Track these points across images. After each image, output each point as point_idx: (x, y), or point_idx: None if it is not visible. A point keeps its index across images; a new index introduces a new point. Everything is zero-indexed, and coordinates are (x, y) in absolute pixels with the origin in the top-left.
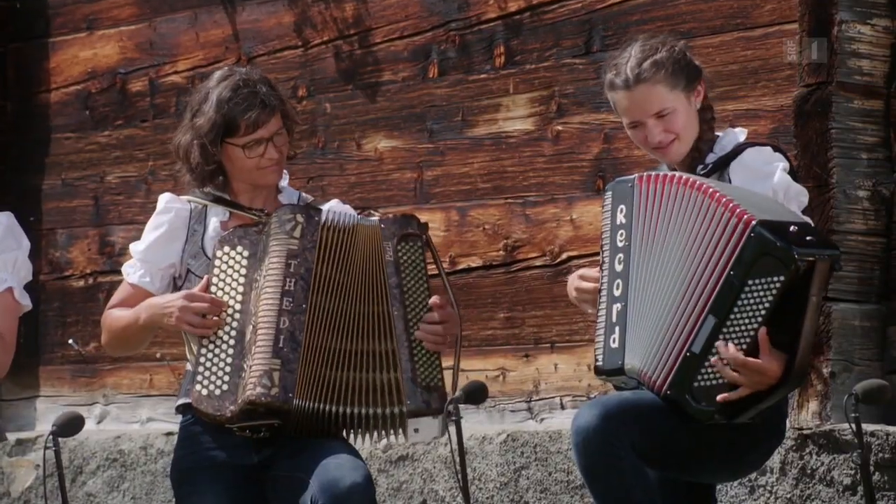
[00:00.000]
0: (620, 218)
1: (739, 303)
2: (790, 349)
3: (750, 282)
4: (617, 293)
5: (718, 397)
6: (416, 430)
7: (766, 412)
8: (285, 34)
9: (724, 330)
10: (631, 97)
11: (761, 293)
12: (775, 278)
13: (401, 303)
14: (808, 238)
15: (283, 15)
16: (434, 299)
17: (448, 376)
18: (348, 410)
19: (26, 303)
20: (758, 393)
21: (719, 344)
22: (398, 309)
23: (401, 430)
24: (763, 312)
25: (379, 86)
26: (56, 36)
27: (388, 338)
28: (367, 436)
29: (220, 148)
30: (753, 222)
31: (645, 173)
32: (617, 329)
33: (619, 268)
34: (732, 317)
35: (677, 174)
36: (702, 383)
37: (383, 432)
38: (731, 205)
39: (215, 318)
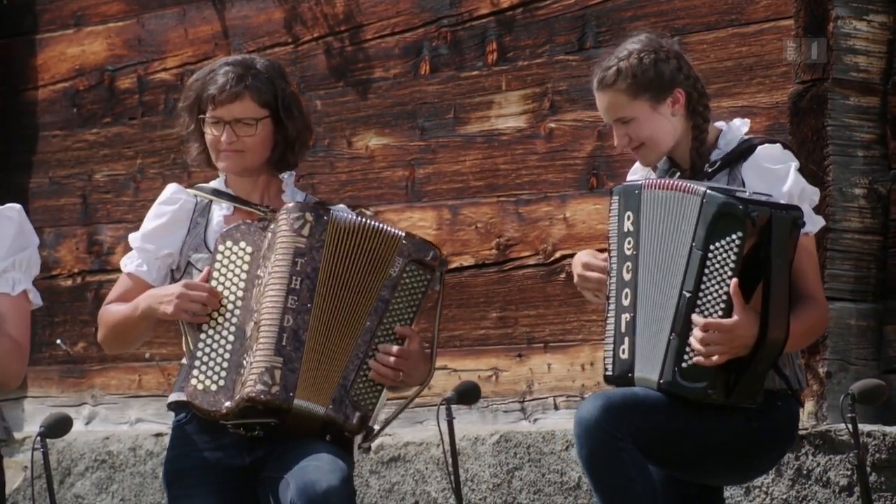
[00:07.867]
0: (628, 225)
1: (706, 271)
2: (764, 314)
3: (711, 247)
4: (625, 303)
5: (695, 359)
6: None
7: (776, 416)
8: (275, 30)
9: (699, 303)
10: (599, 99)
11: (724, 255)
12: (734, 235)
13: (378, 318)
14: (763, 199)
15: (273, 11)
16: (399, 328)
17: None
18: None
19: (38, 302)
20: (741, 360)
21: (694, 317)
22: (372, 321)
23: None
24: (729, 274)
25: (370, 83)
26: (43, 32)
27: (349, 342)
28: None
29: (194, 118)
30: (703, 189)
31: (648, 179)
32: (626, 340)
33: (627, 277)
34: (703, 287)
35: (675, 180)
36: (689, 362)
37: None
38: (699, 189)
39: (213, 308)
